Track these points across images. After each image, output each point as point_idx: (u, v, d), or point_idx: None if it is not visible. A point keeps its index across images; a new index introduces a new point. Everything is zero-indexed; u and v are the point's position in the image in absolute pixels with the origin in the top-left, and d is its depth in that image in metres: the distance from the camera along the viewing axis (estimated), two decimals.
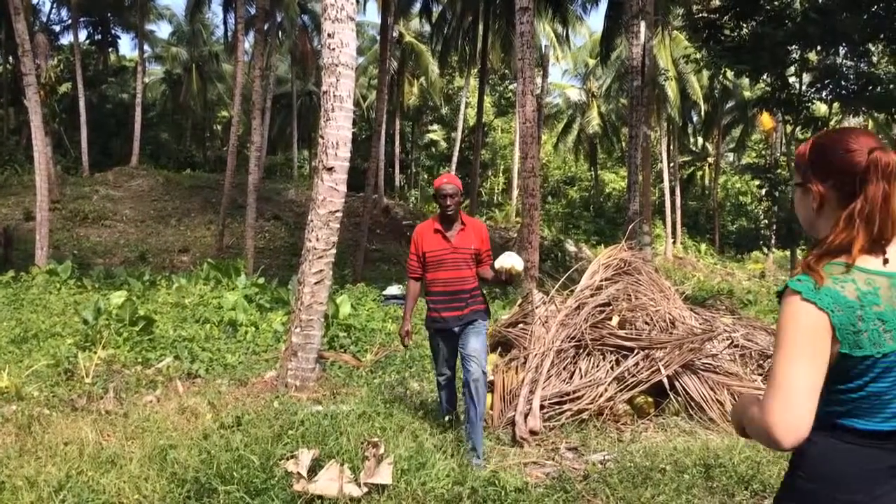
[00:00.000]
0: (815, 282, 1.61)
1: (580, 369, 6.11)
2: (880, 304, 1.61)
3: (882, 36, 16.35)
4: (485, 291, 5.15)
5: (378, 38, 32.93)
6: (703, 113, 43.61)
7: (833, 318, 1.58)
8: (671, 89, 37.26)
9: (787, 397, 1.57)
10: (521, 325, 7.30)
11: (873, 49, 17.66)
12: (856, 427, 1.65)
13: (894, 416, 1.64)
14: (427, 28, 37.19)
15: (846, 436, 1.65)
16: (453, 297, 4.82)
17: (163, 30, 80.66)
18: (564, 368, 6.15)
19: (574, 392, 5.81)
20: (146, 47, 41.38)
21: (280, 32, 40.42)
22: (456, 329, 4.85)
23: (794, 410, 1.56)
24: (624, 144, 41.78)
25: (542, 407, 5.59)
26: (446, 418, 5.17)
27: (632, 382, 5.86)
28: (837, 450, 1.65)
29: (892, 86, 16.91)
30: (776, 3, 16.44)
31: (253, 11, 29.46)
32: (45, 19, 38.90)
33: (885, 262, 1.65)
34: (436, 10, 33.20)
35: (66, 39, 40.00)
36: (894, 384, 1.63)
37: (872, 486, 1.63)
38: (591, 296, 6.93)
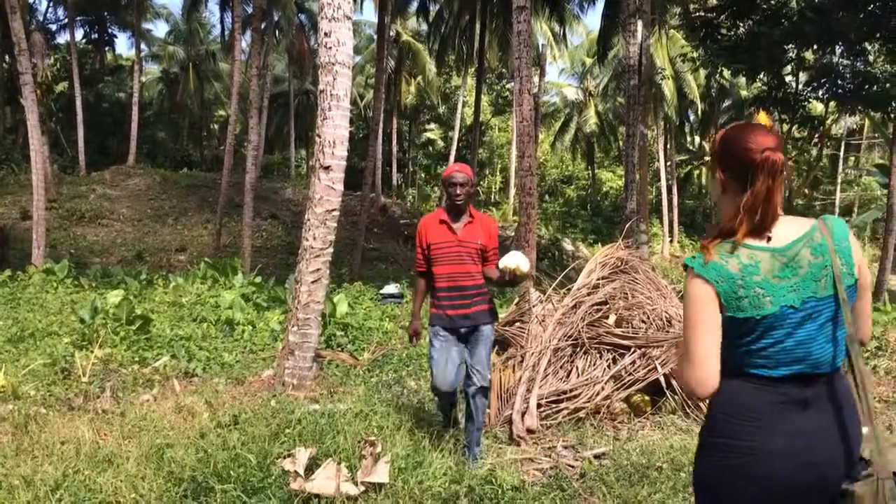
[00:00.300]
0: (705, 258, 1.96)
1: (577, 368, 6.12)
2: (759, 274, 1.92)
3: (878, 35, 16.37)
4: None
5: (375, 36, 32.90)
6: (699, 112, 43.71)
7: (718, 287, 1.92)
8: (668, 88, 37.31)
9: (695, 362, 1.93)
10: (518, 324, 7.30)
11: (869, 48, 17.69)
12: (754, 373, 1.98)
13: (782, 364, 1.95)
14: (424, 27, 37.19)
15: (750, 379, 1.98)
16: (458, 294, 4.55)
17: (159, 29, 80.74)
18: (561, 367, 6.16)
19: (571, 390, 5.82)
20: (143, 46, 41.30)
21: (277, 31, 40.40)
22: (463, 330, 4.58)
23: (701, 371, 1.93)
24: (621, 143, 41.71)
25: (539, 405, 5.60)
26: (446, 417, 5.08)
27: (629, 381, 5.87)
28: (743, 391, 1.99)
29: (888, 85, 16.93)
30: (773, 2, 16.44)
31: (250, 10, 29.48)
32: (41, 18, 38.84)
33: (769, 240, 1.96)
34: (433, 8, 33.19)
35: (62, 38, 40.08)
36: (778, 340, 1.94)
37: (770, 416, 1.96)
38: (588, 294, 6.93)
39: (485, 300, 4.62)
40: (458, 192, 4.51)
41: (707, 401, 2.03)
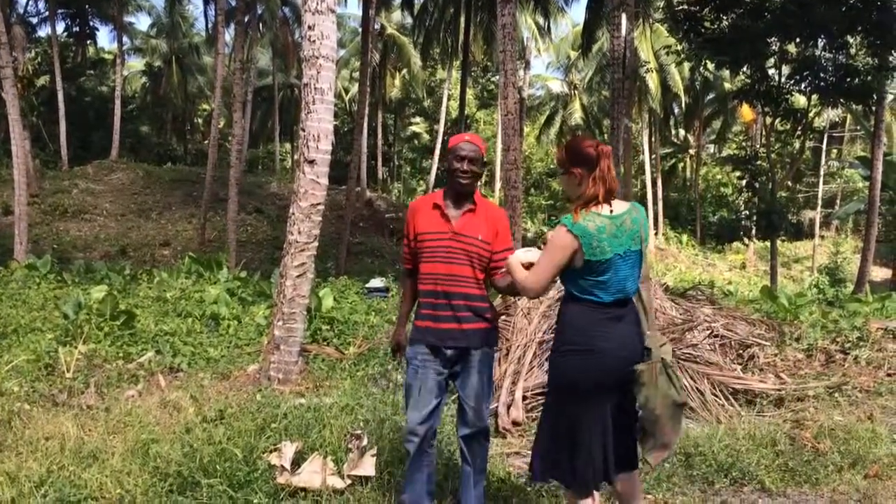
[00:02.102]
0: (573, 219, 3.02)
1: None
2: (605, 233, 3.01)
3: (859, 28, 16.51)
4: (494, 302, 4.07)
5: (360, 30, 32.77)
6: (684, 105, 43.86)
7: (580, 239, 2.99)
8: (652, 81, 37.42)
9: (539, 280, 3.12)
10: (503, 317, 7.33)
11: (851, 41, 17.83)
12: (592, 300, 3.07)
13: (611, 292, 3.05)
14: (409, 20, 37.09)
15: (588, 304, 3.08)
16: (444, 301, 3.48)
17: (142, 22, 79.90)
18: (546, 359, 6.18)
19: None
20: (125, 39, 40.94)
21: (261, 24, 40.16)
22: (449, 352, 3.49)
23: (538, 284, 3.13)
24: (606, 136, 41.87)
25: (524, 398, 5.63)
26: None
27: None
28: (581, 311, 3.10)
29: (869, 77, 17.09)
30: None
31: (233, 3, 29.26)
32: (21, 11, 38.31)
33: (611, 211, 3.06)
34: (418, 1, 33.08)
35: (43, 31, 39.45)
36: (612, 276, 3.04)
37: (600, 327, 3.05)
38: None
39: (481, 317, 3.53)
40: (465, 168, 3.47)
41: (560, 316, 3.21)
